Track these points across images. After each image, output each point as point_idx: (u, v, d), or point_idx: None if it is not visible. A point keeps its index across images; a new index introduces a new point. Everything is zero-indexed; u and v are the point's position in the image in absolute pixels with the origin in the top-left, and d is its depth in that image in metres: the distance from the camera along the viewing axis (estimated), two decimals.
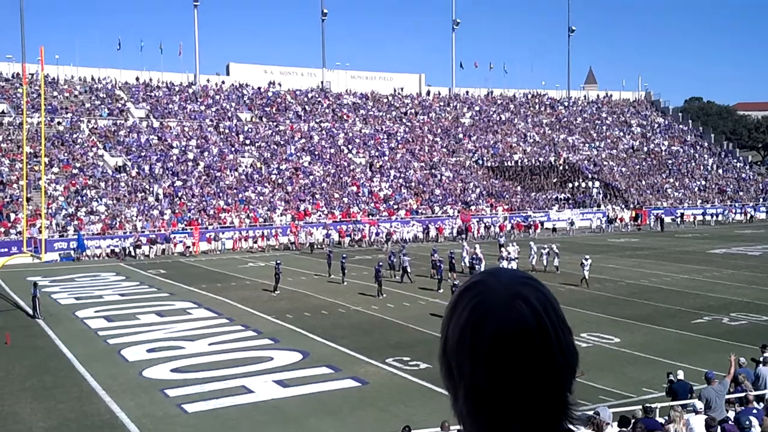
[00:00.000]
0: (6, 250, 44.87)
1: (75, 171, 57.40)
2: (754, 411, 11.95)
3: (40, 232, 41.86)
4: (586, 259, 34.58)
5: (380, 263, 33.84)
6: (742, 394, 13.60)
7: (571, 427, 1.36)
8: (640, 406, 13.40)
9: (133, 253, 48.99)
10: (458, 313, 1.35)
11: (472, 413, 1.33)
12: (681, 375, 15.65)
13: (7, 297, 33.24)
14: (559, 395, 1.33)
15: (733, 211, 75.34)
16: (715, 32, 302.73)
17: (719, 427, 9.74)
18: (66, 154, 59.14)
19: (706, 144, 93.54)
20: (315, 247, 50.94)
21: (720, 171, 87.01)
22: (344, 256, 37.29)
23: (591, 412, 11.49)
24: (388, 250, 44.68)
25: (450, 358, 1.35)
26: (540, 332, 1.30)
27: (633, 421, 11.52)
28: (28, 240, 43.04)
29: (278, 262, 35.42)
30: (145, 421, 16.83)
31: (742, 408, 12.71)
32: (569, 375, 1.34)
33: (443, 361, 1.38)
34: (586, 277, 33.99)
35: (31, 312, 29.14)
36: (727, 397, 13.58)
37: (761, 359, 15.93)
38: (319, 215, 59.51)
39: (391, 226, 57.36)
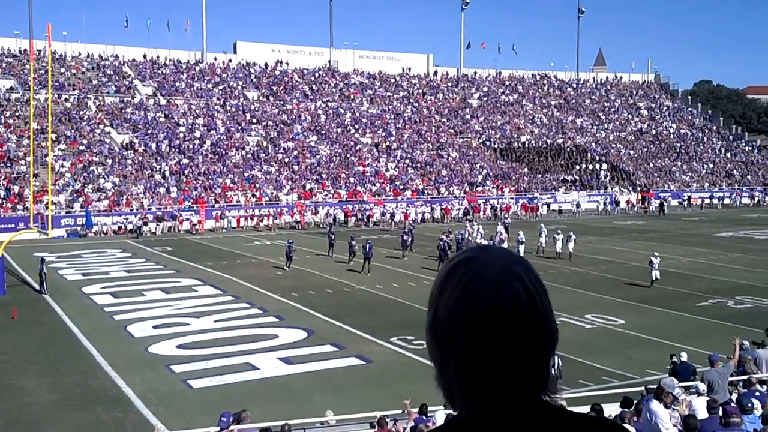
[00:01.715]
0: (13, 225, 45.03)
1: (82, 148, 57.44)
2: (757, 393, 11.94)
3: (47, 208, 41.97)
4: (656, 257, 29.71)
5: (369, 241, 34.22)
6: (746, 377, 13.60)
7: (547, 399, 1.41)
8: (643, 387, 13.45)
9: (139, 230, 49.07)
10: (451, 288, 1.39)
11: (462, 385, 1.38)
12: (684, 357, 15.69)
13: (15, 272, 33.40)
14: (545, 367, 1.39)
15: (741, 194, 75.15)
16: (727, 15, 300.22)
17: (721, 409, 9.74)
18: (73, 131, 59.18)
19: (714, 127, 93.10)
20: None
21: (728, 154, 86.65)
22: (352, 237, 37.32)
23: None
24: (400, 230, 44.45)
25: (440, 331, 1.39)
26: (531, 308, 1.36)
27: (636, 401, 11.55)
28: (35, 216, 43.19)
29: (290, 241, 35.38)
30: (151, 396, 16.97)
31: (746, 390, 12.71)
32: (552, 348, 1.41)
33: (432, 334, 1.41)
34: (658, 277, 29.48)
35: (37, 287, 29.33)
36: (731, 379, 13.59)
37: (762, 342, 15.93)
38: (326, 195, 59.55)
39: (396, 206, 57.37)
